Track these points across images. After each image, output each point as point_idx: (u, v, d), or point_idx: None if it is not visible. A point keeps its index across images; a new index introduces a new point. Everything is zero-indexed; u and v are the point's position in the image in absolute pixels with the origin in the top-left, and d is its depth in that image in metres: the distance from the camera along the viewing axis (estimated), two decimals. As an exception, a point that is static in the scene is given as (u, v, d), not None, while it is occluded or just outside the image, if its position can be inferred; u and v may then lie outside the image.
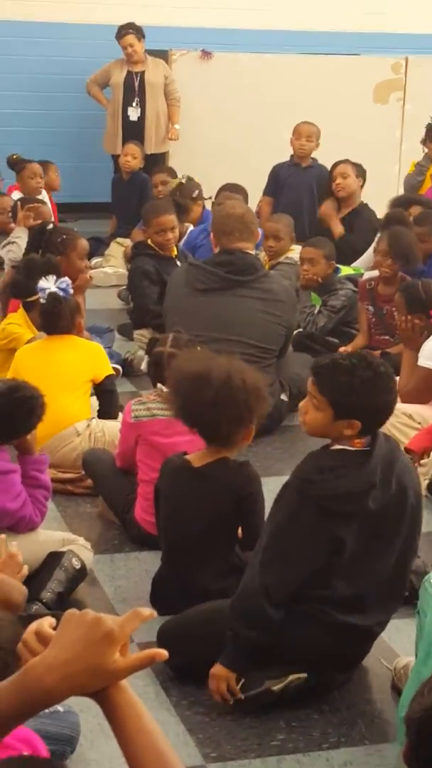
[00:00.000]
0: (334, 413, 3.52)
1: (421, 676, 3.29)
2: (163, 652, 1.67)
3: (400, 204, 8.18)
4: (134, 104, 10.44)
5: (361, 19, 11.76)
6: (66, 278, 5.65)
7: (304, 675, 3.57)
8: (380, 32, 11.71)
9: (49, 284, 5.52)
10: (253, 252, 5.84)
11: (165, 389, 4.68)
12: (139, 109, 10.46)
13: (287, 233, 7.52)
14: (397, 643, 3.99)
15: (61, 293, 5.47)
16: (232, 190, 8.23)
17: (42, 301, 5.52)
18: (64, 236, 6.64)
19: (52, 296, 5.47)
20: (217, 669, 3.52)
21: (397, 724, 3.42)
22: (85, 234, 9.45)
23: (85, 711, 3.26)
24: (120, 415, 5.30)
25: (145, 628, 3.92)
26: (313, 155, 9.47)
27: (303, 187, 9.21)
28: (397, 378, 5.99)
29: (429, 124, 9.66)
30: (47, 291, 5.48)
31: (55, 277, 5.56)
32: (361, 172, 8.67)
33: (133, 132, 10.40)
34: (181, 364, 4.16)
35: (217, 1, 11.46)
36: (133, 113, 10.47)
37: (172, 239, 7.12)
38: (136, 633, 4.00)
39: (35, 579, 4.15)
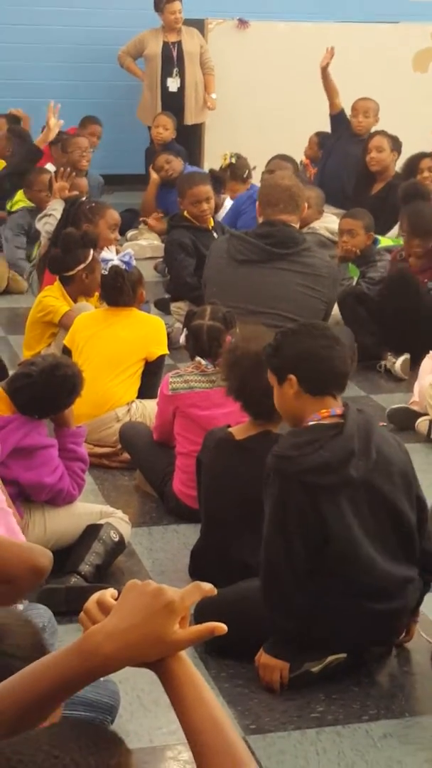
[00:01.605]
0: (277, 380, 3.59)
1: (461, 650, 3.29)
2: (222, 626, 1.66)
3: (412, 161, 8.12)
4: (174, 74, 10.39)
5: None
6: (129, 251, 5.61)
7: (343, 656, 3.57)
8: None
9: (111, 255, 5.45)
10: (297, 225, 5.77)
11: (203, 362, 4.68)
12: (178, 79, 10.42)
13: (317, 204, 7.47)
14: (437, 616, 3.98)
15: (123, 266, 5.40)
16: (284, 159, 8.15)
17: (103, 272, 5.46)
18: (93, 204, 6.62)
19: (114, 269, 5.38)
20: (266, 659, 3.52)
21: (437, 697, 3.41)
22: (120, 206, 9.48)
23: (123, 682, 3.27)
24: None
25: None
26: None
27: (352, 158, 9.07)
28: None
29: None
30: (110, 263, 5.41)
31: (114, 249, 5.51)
32: (396, 145, 8.53)
33: (173, 103, 10.36)
34: (239, 344, 4.11)
35: (254, -31, 11.38)
36: (173, 84, 10.42)
37: (208, 210, 7.07)
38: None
39: (73, 552, 4.17)
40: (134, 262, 5.51)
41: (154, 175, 9.13)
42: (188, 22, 10.57)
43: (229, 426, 4.17)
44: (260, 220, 5.81)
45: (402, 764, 3.21)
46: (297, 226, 5.77)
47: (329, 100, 9.43)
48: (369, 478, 3.47)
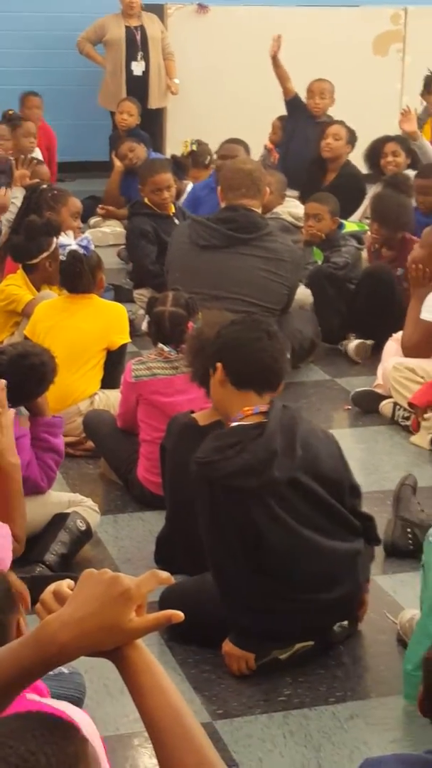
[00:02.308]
0: (211, 368, 3.60)
1: (426, 629, 3.30)
2: (179, 614, 1.67)
3: (376, 145, 8.11)
4: (138, 58, 10.34)
5: (360, -31, 11.62)
6: (87, 235, 5.57)
7: (310, 643, 3.58)
8: (379, -18, 11.56)
9: (69, 240, 5.40)
10: (259, 210, 5.75)
11: (166, 348, 4.67)
12: (143, 63, 10.37)
13: (278, 189, 7.44)
14: (402, 596, 4.00)
15: (81, 250, 5.35)
16: (235, 143, 8.12)
17: (62, 258, 5.41)
18: (56, 191, 6.60)
19: (72, 254, 5.33)
20: (231, 649, 3.52)
21: (403, 677, 3.42)
22: (83, 193, 9.45)
23: (89, 671, 3.27)
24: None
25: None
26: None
27: (313, 142, 9.02)
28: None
29: (427, 76, 9.56)
30: (68, 248, 5.36)
31: (71, 234, 5.46)
32: (352, 138, 8.48)
33: (137, 87, 10.32)
34: (204, 330, 4.10)
35: None
36: (138, 68, 10.38)
37: (169, 198, 7.05)
38: (140, 592, 4.03)
39: (39, 541, 4.15)
40: (92, 247, 5.47)
41: (117, 163, 9.09)
42: (147, 8, 10.53)
43: (192, 412, 4.17)
44: (222, 204, 5.80)
45: (368, 745, 3.22)
46: (259, 210, 5.75)
47: (282, 86, 9.38)
48: (295, 475, 3.43)
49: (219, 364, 3.55)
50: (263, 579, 3.45)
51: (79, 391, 5.23)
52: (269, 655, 3.53)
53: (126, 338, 5.40)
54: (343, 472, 3.62)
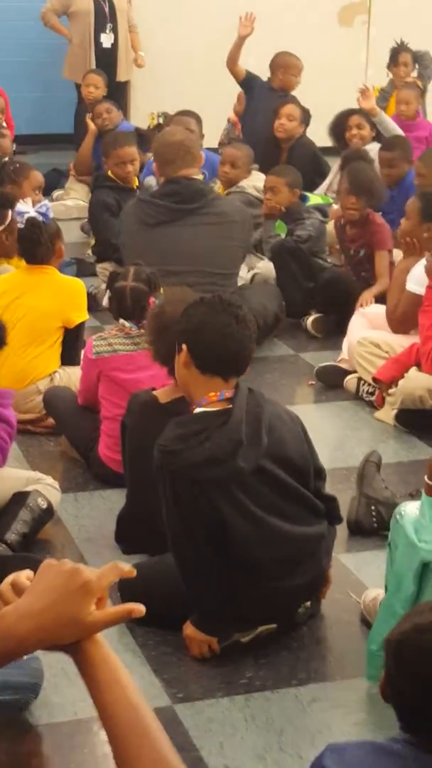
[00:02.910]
0: (177, 347, 3.49)
1: (392, 609, 3.26)
2: (141, 608, 1.60)
3: (340, 118, 8.04)
4: (107, 30, 10.20)
5: None
6: (46, 202, 5.45)
7: (273, 626, 3.53)
8: None
9: (27, 208, 5.28)
10: (199, 176, 5.69)
11: (127, 324, 4.59)
12: (112, 35, 10.23)
13: (245, 163, 7.35)
14: (365, 575, 3.95)
15: (40, 218, 5.23)
16: (184, 115, 8.00)
17: (19, 225, 5.29)
18: (17, 165, 6.49)
19: (31, 221, 5.20)
20: (193, 632, 3.45)
21: (366, 657, 3.38)
22: (47, 166, 9.33)
23: (47, 654, 3.19)
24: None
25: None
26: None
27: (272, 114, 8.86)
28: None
29: (393, 48, 9.49)
30: (25, 215, 5.23)
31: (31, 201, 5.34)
32: (306, 118, 8.36)
33: (105, 59, 10.20)
34: (166, 309, 4.00)
35: None
36: (107, 40, 10.24)
37: (132, 171, 6.97)
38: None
39: (-1, 520, 4.08)
40: (51, 215, 5.36)
41: (92, 126, 8.93)
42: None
43: (153, 389, 4.10)
44: (161, 180, 5.74)
45: (331, 728, 3.18)
46: (200, 177, 5.69)
47: (231, 69, 9.02)
48: (260, 464, 3.36)
49: (184, 346, 3.44)
50: (227, 566, 3.39)
51: (38, 370, 5.14)
52: (231, 638, 3.47)
53: (83, 316, 5.29)
54: (308, 455, 3.56)
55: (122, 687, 1.59)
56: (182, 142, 5.61)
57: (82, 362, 4.75)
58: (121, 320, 4.60)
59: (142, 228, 5.59)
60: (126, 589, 3.63)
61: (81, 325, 5.28)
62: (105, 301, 4.97)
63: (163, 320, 3.96)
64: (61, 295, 5.23)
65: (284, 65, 9.02)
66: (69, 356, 5.24)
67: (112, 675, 1.59)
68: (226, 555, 3.38)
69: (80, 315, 5.25)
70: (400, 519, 3.36)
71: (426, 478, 3.23)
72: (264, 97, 8.87)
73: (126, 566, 1.64)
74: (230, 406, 3.38)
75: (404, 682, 2.16)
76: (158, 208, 5.56)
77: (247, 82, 9.11)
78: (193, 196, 5.55)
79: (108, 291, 4.73)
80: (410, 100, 8.71)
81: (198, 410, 3.43)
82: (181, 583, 3.44)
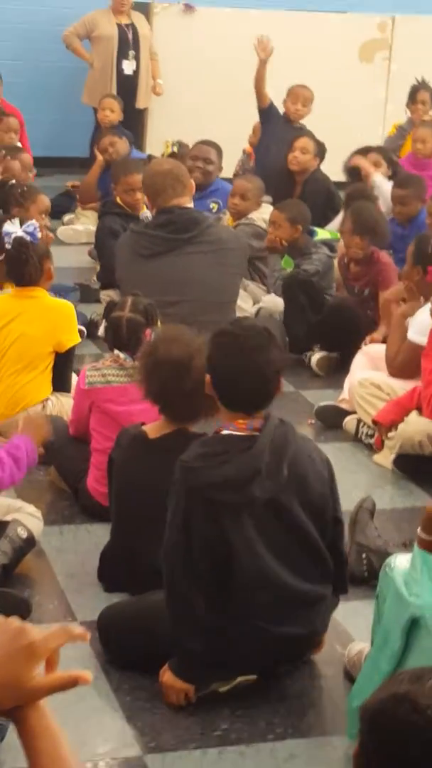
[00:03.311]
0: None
1: (376, 664, 3.14)
2: (88, 676, 1.50)
3: (359, 153, 7.95)
4: (130, 57, 10.18)
5: (349, -24, 11.48)
6: (34, 221, 5.33)
7: (253, 677, 3.42)
8: (367, -10, 11.42)
9: (14, 228, 5.18)
10: (191, 205, 5.61)
11: (122, 355, 4.50)
12: (134, 63, 10.21)
13: (255, 195, 7.26)
14: (353, 626, 3.83)
15: (28, 237, 5.15)
16: (205, 144, 7.93)
17: (7, 246, 5.19)
18: (25, 188, 6.42)
19: (18, 241, 5.09)
20: (170, 679, 3.34)
21: (347, 714, 3.25)
22: (59, 189, 9.29)
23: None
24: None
25: (92, 606, 3.76)
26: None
27: (286, 147, 8.79)
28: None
29: (413, 85, 9.41)
30: (13, 235, 5.13)
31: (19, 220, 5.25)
32: (320, 152, 8.27)
33: (127, 85, 10.19)
34: (159, 347, 3.91)
35: None
36: (129, 66, 10.23)
37: (141, 199, 6.88)
38: (79, 610, 3.86)
39: (-23, 551, 3.97)
40: (40, 234, 5.25)
41: (99, 157, 8.90)
42: (135, 6, 10.36)
43: (143, 424, 4.00)
44: (153, 211, 5.66)
45: (305, 788, 3.06)
46: (191, 205, 5.60)
47: (259, 92, 9.01)
48: (276, 497, 3.28)
49: (208, 377, 3.40)
50: (221, 596, 3.28)
51: (29, 397, 5.04)
52: (209, 687, 3.35)
53: (75, 339, 5.18)
54: (329, 499, 3.46)
55: (63, 762, 1.49)
56: (171, 171, 5.53)
57: (74, 392, 4.65)
58: (116, 351, 4.50)
59: (137, 260, 5.50)
60: (104, 630, 3.54)
61: (72, 350, 5.18)
62: (100, 331, 4.86)
63: (155, 359, 3.87)
64: (50, 318, 5.13)
65: (291, 94, 9.00)
66: (60, 382, 5.14)
67: (53, 749, 1.50)
68: (223, 584, 3.26)
69: (71, 338, 5.15)
70: (389, 571, 3.24)
71: (419, 529, 3.12)
72: (279, 129, 8.81)
73: (77, 630, 1.54)
74: (257, 433, 3.31)
75: (378, 758, 2.03)
76: (153, 239, 5.48)
77: (268, 111, 9.08)
78: (188, 225, 5.47)
79: (104, 320, 4.64)
80: (426, 138, 8.63)
81: (225, 432, 3.36)
82: (162, 626, 3.33)
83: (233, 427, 3.35)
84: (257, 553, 3.26)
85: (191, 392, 3.73)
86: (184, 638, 3.31)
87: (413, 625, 3.03)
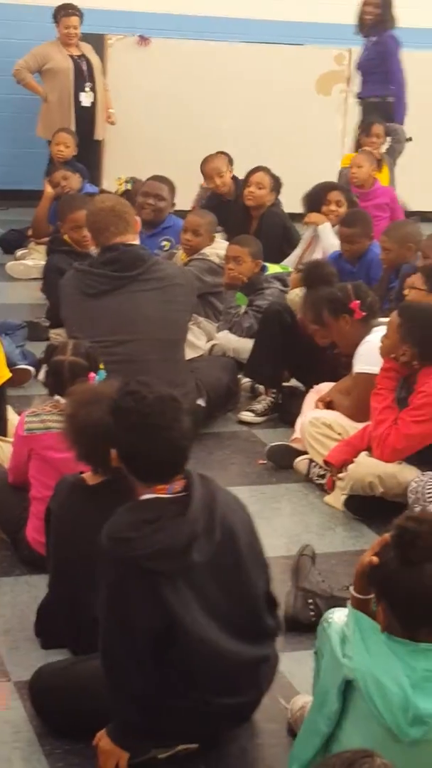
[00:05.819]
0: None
1: (315, 726, 3.02)
2: None
3: (322, 189, 7.82)
4: (87, 89, 10.13)
5: (305, 9, 11.45)
6: None
7: (194, 746, 3.29)
8: (324, 22, 11.39)
9: None
10: (136, 242, 5.51)
11: (63, 400, 4.38)
12: (92, 94, 10.17)
13: (207, 231, 7.14)
14: (298, 678, 3.72)
15: None
16: (157, 180, 7.84)
17: None
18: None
19: None
20: (107, 744, 3.20)
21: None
22: (18, 223, 9.17)
23: None
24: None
25: (27, 665, 3.63)
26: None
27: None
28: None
29: (368, 119, 9.42)
30: None
31: None
32: (276, 186, 8.15)
33: (85, 118, 10.14)
34: (79, 411, 3.77)
35: (156, -16, 11.15)
36: (86, 99, 10.17)
37: (89, 236, 6.78)
38: (14, 670, 3.72)
39: None
40: None
41: (48, 189, 8.79)
42: (88, 38, 10.31)
43: (82, 472, 3.88)
44: (96, 250, 5.57)
45: None
46: (136, 240, 5.50)
47: None
48: (213, 558, 3.17)
49: (114, 452, 3.28)
50: (161, 670, 3.15)
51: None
52: (148, 753, 3.23)
53: (6, 374, 5.02)
54: (257, 546, 3.38)
55: None
56: (113, 208, 5.43)
57: (13, 438, 4.52)
58: (56, 396, 4.39)
59: (83, 299, 5.39)
60: (38, 695, 3.41)
61: (3, 386, 5.04)
62: (40, 375, 4.74)
63: (77, 424, 3.76)
64: None
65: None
66: None
67: None
68: (163, 657, 3.14)
69: (1, 374, 5.01)
70: (327, 627, 3.12)
71: (351, 589, 3.01)
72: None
73: None
74: (185, 493, 3.19)
75: None
76: (98, 278, 5.37)
77: None
78: (134, 262, 5.37)
79: (44, 365, 4.52)
80: (362, 163, 8.57)
81: (148, 496, 3.22)
82: (100, 690, 3.20)
83: (149, 492, 3.22)
84: (197, 620, 3.13)
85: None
86: (122, 708, 3.19)
87: (348, 686, 2.92)
